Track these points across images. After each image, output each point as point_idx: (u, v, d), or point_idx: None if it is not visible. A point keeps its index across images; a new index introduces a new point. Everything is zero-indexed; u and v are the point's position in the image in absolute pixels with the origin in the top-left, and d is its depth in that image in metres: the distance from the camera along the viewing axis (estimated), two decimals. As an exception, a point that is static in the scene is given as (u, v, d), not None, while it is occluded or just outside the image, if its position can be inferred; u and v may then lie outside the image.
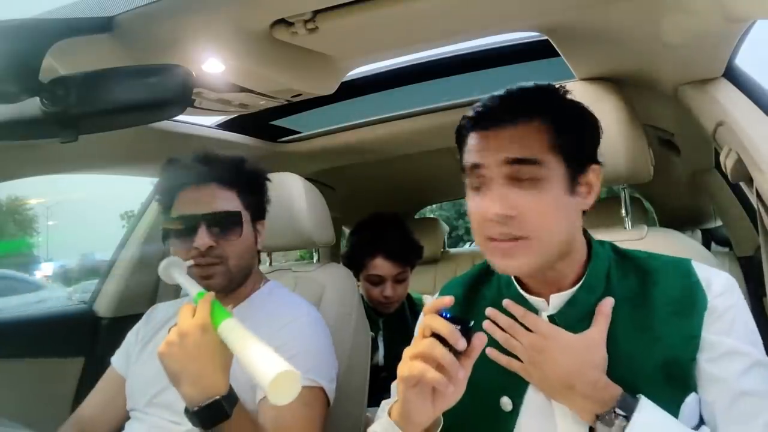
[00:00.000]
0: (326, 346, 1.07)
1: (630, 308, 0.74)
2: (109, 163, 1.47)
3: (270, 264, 1.43)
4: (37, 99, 0.68)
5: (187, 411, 0.82)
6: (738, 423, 0.66)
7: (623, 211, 1.10)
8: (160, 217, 1.16)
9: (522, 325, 0.74)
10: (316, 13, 0.86)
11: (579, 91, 0.80)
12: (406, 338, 0.71)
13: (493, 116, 0.74)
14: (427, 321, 0.65)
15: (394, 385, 0.84)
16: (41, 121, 0.70)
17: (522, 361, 0.73)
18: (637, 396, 0.67)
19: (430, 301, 0.69)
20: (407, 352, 0.66)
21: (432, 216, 3.83)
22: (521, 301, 0.78)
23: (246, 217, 1.08)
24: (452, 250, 2.87)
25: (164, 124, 1.36)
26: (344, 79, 1.18)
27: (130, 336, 1.18)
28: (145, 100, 0.72)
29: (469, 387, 0.66)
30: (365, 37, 0.97)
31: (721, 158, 1.02)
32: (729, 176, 1.01)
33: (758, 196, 0.89)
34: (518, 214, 0.70)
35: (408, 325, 1.73)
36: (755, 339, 0.71)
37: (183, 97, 0.74)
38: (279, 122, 1.79)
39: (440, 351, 0.63)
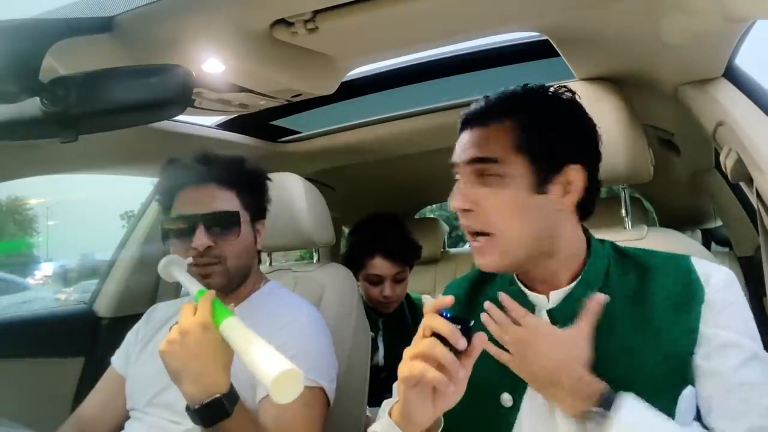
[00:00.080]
0: (326, 346, 1.07)
1: (630, 305, 0.74)
2: (109, 163, 1.47)
3: (270, 264, 1.43)
4: (37, 99, 0.68)
5: (188, 409, 0.82)
6: (736, 413, 0.66)
7: (623, 211, 1.10)
8: (160, 217, 1.16)
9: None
10: (316, 13, 0.86)
11: (579, 91, 0.81)
12: (406, 338, 0.71)
13: (472, 118, 0.79)
14: (427, 321, 0.66)
15: (395, 386, 0.84)
16: (41, 121, 0.69)
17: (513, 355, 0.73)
18: (620, 393, 0.67)
19: (431, 301, 0.69)
20: (407, 352, 0.66)
21: (432, 216, 3.83)
22: (521, 298, 0.79)
23: (245, 217, 1.08)
24: (452, 250, 2.86)
25: (164, 124, 1.36)
26: (344, 79, 1.17)
27: (130, 336, 1.18)
28: (145, 100, 0.72)
29: (470, 386, 0.66)
30: (365, 37, 0.97)
31: (721, 158, 1.03)
32: (729, 176, 1.01)
33: (758, 196, 0.89)
34: (477, 209, 0.74)
35: (407, 325, 1.73)
36: (753, 333, 0.71)
37: (183, 97, 0.74)
38: (279, 122, 1.79)
39: (441, 351, 0.63)
